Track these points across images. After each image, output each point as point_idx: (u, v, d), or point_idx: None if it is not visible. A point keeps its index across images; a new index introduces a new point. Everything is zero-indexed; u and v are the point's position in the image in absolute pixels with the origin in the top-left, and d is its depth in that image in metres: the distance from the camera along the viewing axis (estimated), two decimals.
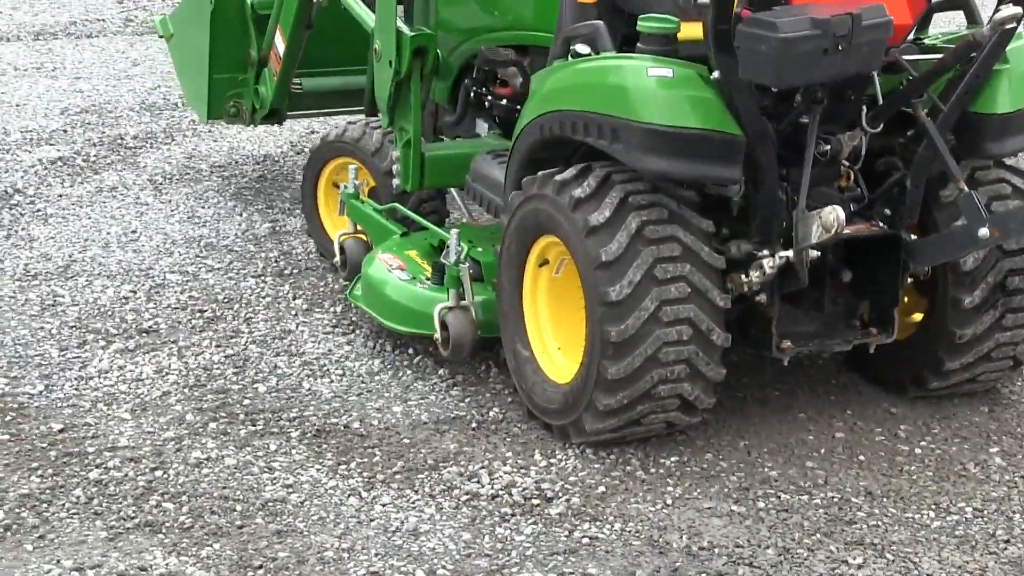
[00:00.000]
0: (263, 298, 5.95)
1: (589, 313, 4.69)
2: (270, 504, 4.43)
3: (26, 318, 5.74)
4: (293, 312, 5.83)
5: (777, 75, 4.54)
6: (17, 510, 4.35)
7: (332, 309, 5.83)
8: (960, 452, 4.84)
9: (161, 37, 7.64)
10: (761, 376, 5.37)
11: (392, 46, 5.71)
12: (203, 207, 7.00)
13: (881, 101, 4.85)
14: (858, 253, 4.89)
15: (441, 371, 5.37)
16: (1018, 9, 4.59)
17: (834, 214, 4.60)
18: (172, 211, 6.96)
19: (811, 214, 4.68)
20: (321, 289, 6.12)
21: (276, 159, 7.85)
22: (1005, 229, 4.62)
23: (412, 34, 5.69)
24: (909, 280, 5.06)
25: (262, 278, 6.14)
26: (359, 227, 6.04)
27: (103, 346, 5.49)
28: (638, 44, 4.82)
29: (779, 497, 4.53)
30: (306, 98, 7.17)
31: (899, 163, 4.97)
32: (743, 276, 4.69)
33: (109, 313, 5.79)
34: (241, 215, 6.93)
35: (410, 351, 5.51)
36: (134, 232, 6.63)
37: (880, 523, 4.40)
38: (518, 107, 5.81)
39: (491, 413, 5.05)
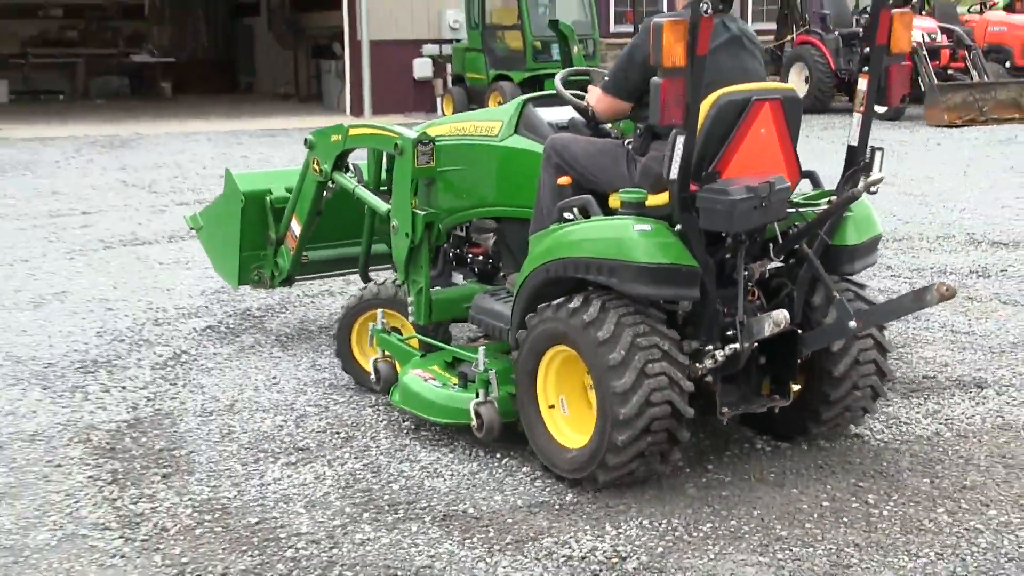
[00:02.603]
0: (381, 421, 6.00)
1: (600, 399, 5.05)
2: (422, 570, 4.48)
3: (212, 443, 5.79)
4: (405, 431, 5.87)
5: (729, 225, 4.99)
6: None
7: (433, 428, 5.84)
8: (917, 513, 4.91)
9: (192, 229, 7.78)
10: (758, 464, 5.46)
11: (408, 222, 6.02)
12: (321, 358, 7.06)
13: (781, 240, 5.30)
14: (764, 343, 5.31)
15: (525, 468, 5.42)
16: (882, 175, 5.23)
17: (782, 315, 5.14)
18: (299, 361, 7.02)
19: (763, 316, 5.21)
20: None
21: None
22: (867, 321, 5.19)
23: (424, 213, 6.02)
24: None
25: (377, 407, 6.19)
26: (387, 353, 6.27)
27: (272, 461, 5.54)
28: (619, 209, 5.26)
29: (791, 551, 4.58)
30: (311, 266, 7.38)
31: (788, 281, 5.42)
32: (696, 364, 5.10)
33: (271, 437, 5.83)
34: None
35: (497, 455, 5.56)
36: (274, 378, 6.69)
37: (870, 566, 4.46)
38: (491, 260, 6.58)
39: (567, 498, 5.10)
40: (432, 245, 6.20)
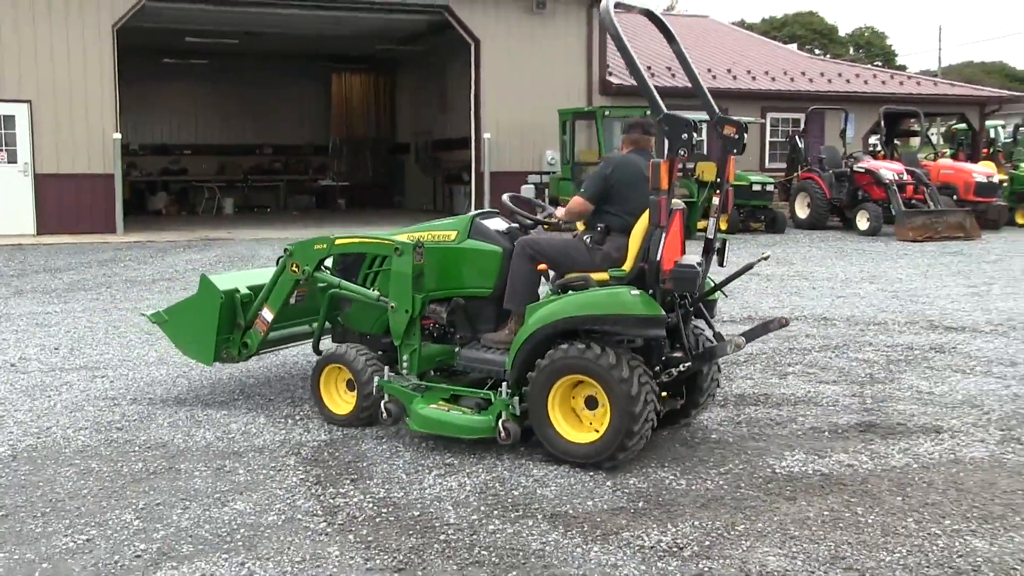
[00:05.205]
0: (503, 448, 5.91)
1: (616, 408, 5.46)
2: (536, 552, 4.55)
3: (384, 459, 5.88)
4: (521, 454, 5.87)
5: (693, 288, 5.71)
6: (404, 557, 4.53)
7: (538, 454, 5.84)
8: (893, 521, 4.92)
9: (154, 323, 7.35)
10: (777, 484, 5.48)
11: (408, 303, 6.16)
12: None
13: (690, 298, 6.00)
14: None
15: (608, 483, 5.43)
16: (768, 253, 6.52)
17: (741, 339, 5.75)
18: None
19: (726, 341, 5.82)
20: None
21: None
22: (742, 342, 5.77)
23: (421, 295, 6.20)
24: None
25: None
26: (391, 395, 6.28)
27: (427, 472, 5.62)
28: (610, 278, 5.79)
29: (802, 546, 4.62)
30: (268, 342, 7.17)
31: (682, 326, 5.95)
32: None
33: (425, 456, 5.90)
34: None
35: (589, 474, 5.57)
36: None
37: (858, 559, 4.48)
38: (443, 327, 6.58)
39: (640, 504, 5.13)
40: (420, 318, 6.29)
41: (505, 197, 6.67)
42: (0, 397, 7.36)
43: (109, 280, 13.87)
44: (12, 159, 19.67)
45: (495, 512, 5.04)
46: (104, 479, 5.57)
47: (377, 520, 4.94)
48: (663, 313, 5.51)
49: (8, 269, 14.97)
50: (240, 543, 4.67)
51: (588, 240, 6.05)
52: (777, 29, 65.55)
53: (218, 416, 6.81)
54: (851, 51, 69.71)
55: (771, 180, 21.47)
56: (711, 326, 6.15)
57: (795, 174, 22.58)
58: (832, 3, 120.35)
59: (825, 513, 5.05)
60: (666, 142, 5.50)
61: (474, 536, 4.74)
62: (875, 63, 56.44)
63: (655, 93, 5.57)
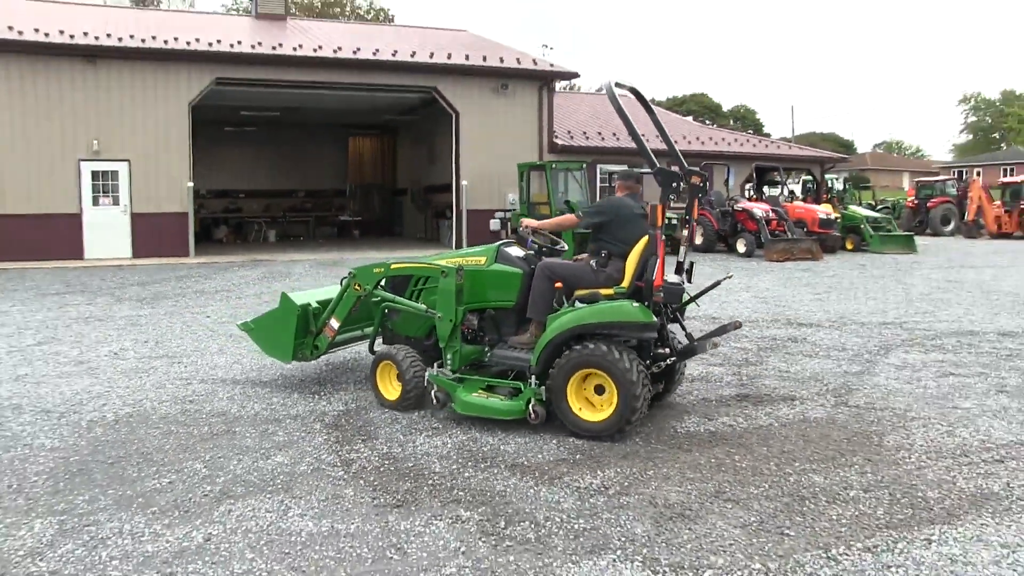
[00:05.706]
0: (474, 419, 5.75)
1: (621, 392, 5.22)
2: (500, 492, 4.51)
3: (386, 424, 5.78)
4: (489, 423, 5.77)
5: (679, 300, 5.34)
6: (402, 496, 4.47)
7: (502, 423, 5.71)
8: (759, 464, 4.90)
9: (242, 329, 6.97)
10: (677, 440, 5.43)
11: (452, 314, 5.86)
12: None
13: (671, 307, 5.69)
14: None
15: (554, 441, 5.38)
16: (731, 274, 6.27)
17: (717, 339, 5.52)
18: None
19: (705, 340, 5.53)
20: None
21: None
22: (715, 340, 5.57)
23: (461, 307, 5.90)
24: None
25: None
26: (438, 386, 5.89)
27: (418, 434, 5.52)
28: (614, 293, 5.51)
29: (695, 484, 4.59)
30: (334, 344, 6.82)
31: (665, 332, 5.69)
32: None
33: (417, 422, 5.81)
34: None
35: (540, 434, 5.50)
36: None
37: (735, 491, 4.44)
38: (474, 332, 6.10)
39: (577, 457, 5.09)
40: (460, 326, 5.93)
41: (523, 231, 6.20)
42: (106, 378, 7.24)
43: (184, 291, 13.67)
44: (116, 202, 19.75)
45: (469, 463, 5.01)
46: (180, 438, 5.50)
47: (381, 469, 4.89)
48: (655, 319, 5.29)
49: (112, 284, 14.74)
50: (280, 486, 4.62)
51: (594, 264, 5.76)
52: (678, 105, 65.98)
53: (263, 392, 6.71)
54: (731, 122, 70.29)
55: (675, 215, 21.52)
56: (684, 329, 5.84)
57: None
58: (718, 87, 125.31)
59: (712, 460, 5.06)
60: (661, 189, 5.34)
61: (454, 481, 4.70)
62: (748, 131, 56.93)
63: (650, 151, 5.34)
